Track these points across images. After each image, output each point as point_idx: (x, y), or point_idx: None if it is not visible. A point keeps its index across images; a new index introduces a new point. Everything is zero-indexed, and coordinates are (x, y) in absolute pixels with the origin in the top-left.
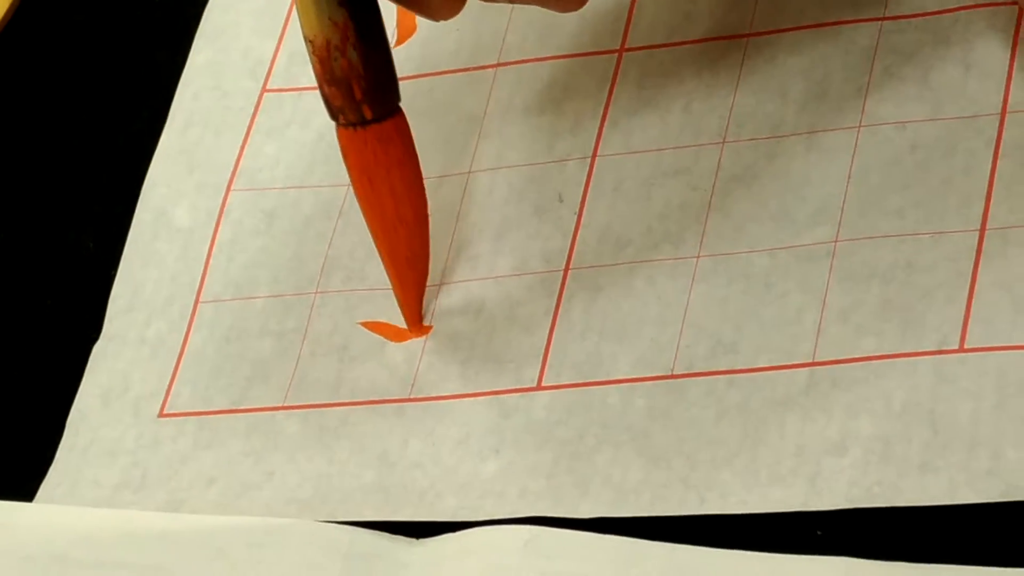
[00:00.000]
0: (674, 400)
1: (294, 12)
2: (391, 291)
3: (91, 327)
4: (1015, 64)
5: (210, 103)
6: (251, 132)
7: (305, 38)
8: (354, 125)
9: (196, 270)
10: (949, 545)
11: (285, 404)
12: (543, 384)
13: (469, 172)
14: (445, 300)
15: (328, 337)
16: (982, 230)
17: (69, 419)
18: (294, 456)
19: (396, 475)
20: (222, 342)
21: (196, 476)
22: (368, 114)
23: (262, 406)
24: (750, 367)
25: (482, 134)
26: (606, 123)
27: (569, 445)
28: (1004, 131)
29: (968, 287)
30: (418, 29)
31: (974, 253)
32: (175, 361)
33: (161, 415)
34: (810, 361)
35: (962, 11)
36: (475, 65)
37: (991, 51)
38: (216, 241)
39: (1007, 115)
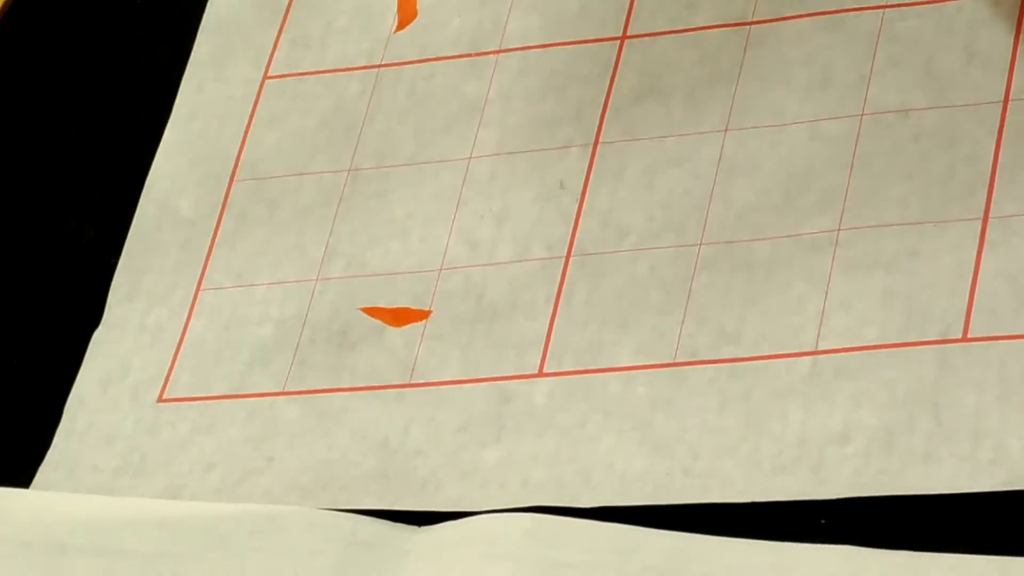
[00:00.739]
0: (676, 388)
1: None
2: (392, 276)
3: (91, 315)
4: (1018, 52)
5: (213, 94)
6: (253, 122)
7: None
8: None
9: (198, 260)
10: (952, 534)
11: (285, 390)
12: (544, 371)
13: (470, 158)
14: (445, 285)
15: (328, 323)
16: (985, 219)
17: (67, 404)
18: (294, 442)
19: (397, 462)
20: (222, 329)
21: (196, 461)
22: None
23: (262, 392)
24: (752, 356)
25: (483, 121)
26: (608, 110)
27: (570, 433)
28: (1007, 119)
29: (971, 276)
30: (419, 15)
31: (977, 242)
32: (175, 347)
33: (160, 400)
34: (813, 350)
35: None
36: (477, 51)
37: (994, 39)
38: (219, 231)
39: (1010, 103)
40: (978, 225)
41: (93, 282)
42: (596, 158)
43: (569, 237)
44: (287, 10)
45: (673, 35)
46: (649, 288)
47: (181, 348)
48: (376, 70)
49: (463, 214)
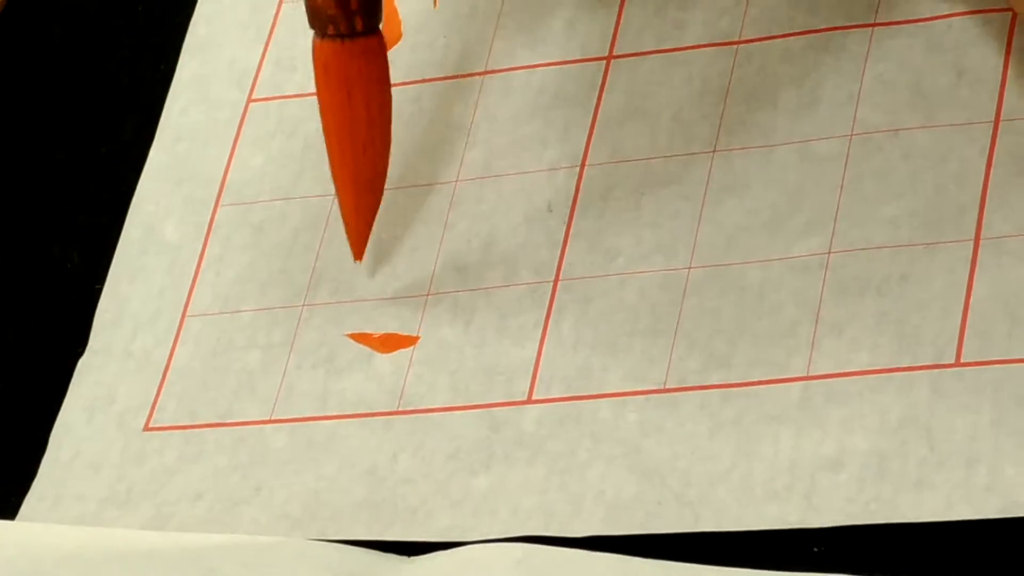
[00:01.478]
0: (667, 414)
1: (279, 21)
2: (379, 302)
3: (76, 341)
4: (1008, 71)
5: (197, 116)
6: (237, 144)
7: None
8: (343, 37)
9: (183, 285)
10: (947, 562)
11: (272, 418)
12: (533, 397)
13: (456, 181)
14: (433, 310)
15: (315, 349)
16: (976, 240)
17: (53, 433)
18: (282, 471)
19: (386, 491)
20: (208, 355)
21: (183, 491)
22: (359, 26)
23: (249, 420)
24: (744, 381)
25: (469, 143)
26: (595, 131)
27: (560, 460)
28: (998, 139)
29: (963, 299)
30: (404, 36)
31: (969, 264)
32: (161, 374)
33: (146, 428)
34: (804, 375)
35: (955, 17)
36: (462, 72)
37: (984, 58)
38: (204, 257)
39: (1001, 123)
40: (970, 247)
41: (78, 308)
42: (583, 180)
43: (557, 261)
44: (271, 32)
45: (660, 54)
46: (638, 312)
47: (167, 375)
48: None
49: (450, 238)
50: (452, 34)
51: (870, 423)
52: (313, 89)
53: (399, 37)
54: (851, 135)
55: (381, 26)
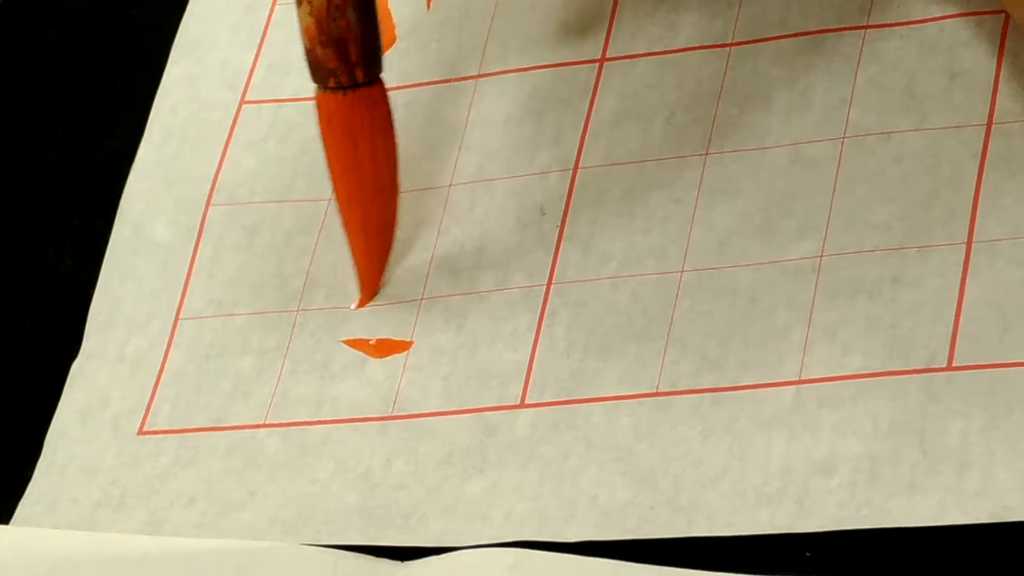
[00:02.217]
0: (659, 418)
1: (272, 23)
2: (373, 307)
3: (70, 345)
4: (1001, 74)
5: (188, 116)
6: (230, 145)
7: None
8: (344, 88)
9: (176, 287)
10: (939, 567)
11: (266, 422)
12: (526, 401)
13: (450, 185)
14: (426, 315)
15: (310, 355)
16: (969, 243)
17: (47, 437)
18: (276, 475)
19: (379, 496)
20: (202, 359)
21: (177, 495)
22: (360, 77)
23: (243, 424)
24: (736, 385)
25: (463, 146)
26: (587, 134)
27: (553, 464)
28: (990, 142)
29: (955, 303)
30: (397, 40)
31: (961, 267)
32: (155, 378)
33: (141, 432)
34: (796, 379)
35: (947, 20)
36: (455, 76)
37: (977, 60)
38: (196, 257)
39: (993, 126)
40: (962, 250)
41: (72, 311)
42: (576, 183)
43: (550, 265)
44: (263, 34)
45: (652, 57)
46: (631, 316)
47: (161, 379)
48: None
49: (443, 242)
50: (445, 37)
51: (862, 427)
52: (307, 95)
53: (393, 40)
54: (843, 138)
55: (382, 75)
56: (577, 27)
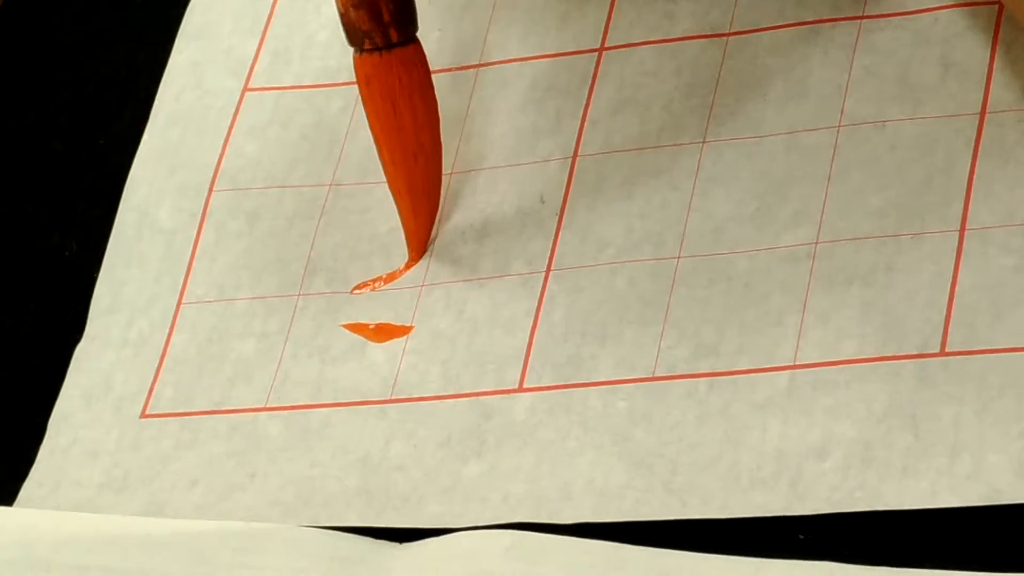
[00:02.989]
0: (655, 402)
1: (276, 10)
2: (374, 292)
3: (74, 329)
4: (994, 64)
5: (191, 102)
6: (232, 131)
7: None
8: (380, 50)
9: (179, 271)
10: (931, 549)
11: (267, 405)
12: (524, 386)
13: (451, 173)
14: (426, 300)
15: (311, 339)
16: (962, 230)
17: (51, 419)
18: (276, 458)
19: (379, 478)
20: (204, 343)
21: (178, 477)
22: (395, 37)
23: (244, 407)
24: (731, 370)
25: (464, 135)
26: (587, 123)
27: (551, 448)
28: (983, 131)
29: (948, 289)
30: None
31: (954, 254)
32: (157, 362)
33: (143, 415)
34: (791, 364)
35: (942, 10)
36: (457, 65)
37: (971, 50)
38: (199, 242)
39: (986, 115)
40: (955, 237)
41: (76, 296)
42: (575, 171)
43: (549, 252)
44: (267, 22)
45: (651, 45)
46: (628, 301)
47: (163, 362)
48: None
49: (444, 230)
50: (446, 27)
51: (856, 412)
52: (310, 82)
53: None
54: (839, 126)
55: (418, 33)
56: (577, 16)
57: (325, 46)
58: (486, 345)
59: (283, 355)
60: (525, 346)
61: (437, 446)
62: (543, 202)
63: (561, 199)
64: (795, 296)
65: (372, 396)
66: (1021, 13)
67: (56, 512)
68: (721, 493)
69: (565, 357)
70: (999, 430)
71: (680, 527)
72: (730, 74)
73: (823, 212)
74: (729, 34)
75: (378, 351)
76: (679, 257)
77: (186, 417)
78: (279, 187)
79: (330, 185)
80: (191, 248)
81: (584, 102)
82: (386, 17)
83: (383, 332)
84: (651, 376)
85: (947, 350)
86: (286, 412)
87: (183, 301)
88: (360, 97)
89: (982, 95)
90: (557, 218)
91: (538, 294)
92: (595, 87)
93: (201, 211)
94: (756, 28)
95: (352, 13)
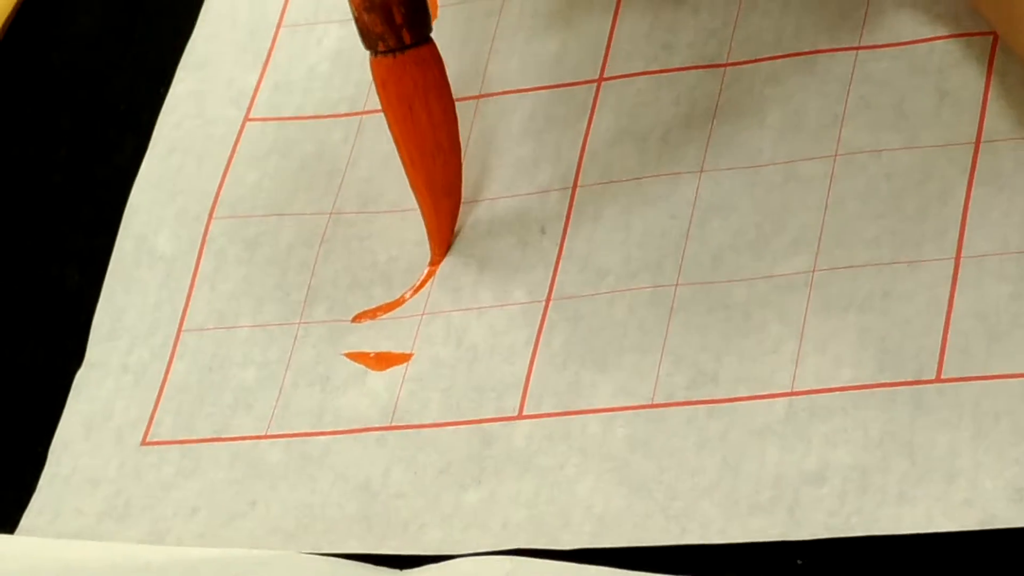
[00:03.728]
0: (654, 429)
1: (278, 42)
2: (375, 320)
3: (75, 359)
4: (989, 93)
5: (192, 130)
6: (233, 160)
7: None
8: (393, 51)
9: (179, 298)
10: (928, 574)
11: (268, 433)
12: (524, 413)
13: None
14: (427, 328)
15: (311, 367)
16: (957, 258)
17: (52, 447)
18: (277, 485)
19: (379, 505)
20: (205, 371)
21: (180, 505)
22: (408, 39)
23: (245, 435)
24: (729, 397)
25: (464, 165)
26: (586, 153)
27: (550, 474)
28: (979, 159)
29: (944, 316)
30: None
31: (950, 282)
32: (158, 389)
33: (144, 443)
34: (789, 391)
35: (937, 40)
36: (457, 96)
37: (966, 80)
38: (199, 269)
39: (982, 143)
40: (951, 265)
41: (77, 325)
42: (575, 202)
43: (549, 281)
44: (269, 54)
45: (649, 76)
46: (627, 329)
47: (164, 390)
48: (359, 117)
49: (445, 260)
50: (446, 58)
51: (853, 438)
52: (311, 113)
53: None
54: (835, 156)
55: (432, 34)
56: (576, 47)
57: (326, 78)
58: (486, 373)
59: (284, 383)
60: (525, 373)
61: (437, 473)
62: (543, 232)
63: (561, 229)
64: (792, 324)
65: (372, 423)
66: (1015, 43)
67: (58, 540)
68: (720, 518)
69: (565, 384)
70: (994, 456)
71: (679, 552)
72: (728, 104)
73: (820, 240)
74: (727, 64)
75: (379, 379)
76: (677, 285)
77: (187, 445)
78: (279, 215)
79: (330, 213)
80: (191, 275)
81: (583, 132)
82: (398, 19)
83: (384, 360)
84: (650, 403)
85: (943, 377)
86: (287, 439)
87: (183, 328)
88: (378, 99)
89: (977, 124)
90: (557, 248)
91: (538, 322)
92: (594, 117)
93: (201, 238)
94: (753, 59)
95: (365, 16)
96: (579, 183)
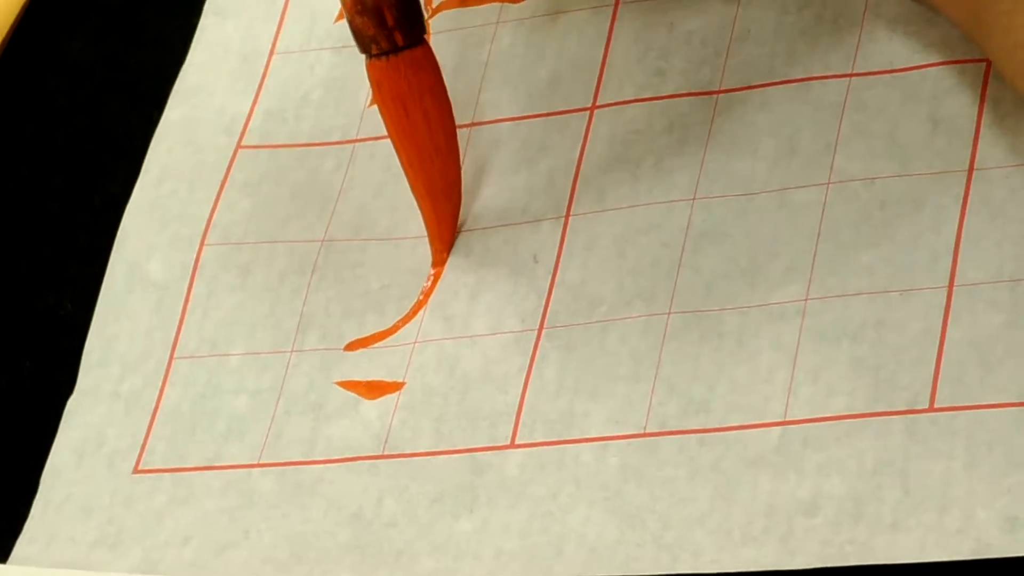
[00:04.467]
0: (647, 458)
1: (270, 70)
2: (367, 349)
3: (68, 387)
4: (982, 121)
5: (184, 157)
6: (225, 187)
7: None
8: (387, 54)
9: (171, 325)
10: None
11: (261, 462)
12: (517, 442)
13: None
14: (419, 357)
15: (303, 396)
16: (950, 287)
17: (43, 475)
18: (269, 514)
19: (371, 534)
20: (197, 399)
21: (172, 534)
22: (400, 40)
23: (238, 463)
24: (722, 426)
25: None
26: (579, 181)
27: (543, 503)
28: (971, 187)
29: (937, 345)
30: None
31: (943, 310)
32: (150, 417)
33: (136, 471)
34: (782, 420)
35: (931, 68)
36: None
37: (959, 108)
38: (191, 296)
39: (974, 171)
40: (944, 294)
41: (72, 355)
42: (568, 231)
43: (542, 310)
44: (261, 81)
45: (642, 103)
46: (620, 358)
47: (156, 417)
48: (351, 145)
49: (438, 288)
50: None
51: (846, 467)
52: (304, 140)
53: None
54: (828, 183)
55: (426, 36)
56: (568, 75)
57: (319, 105)
58: (478, 401)
59: (276, 411)
60: (517, 402)
61: (430, 502)
62: (536, 260)
63: (554, 257)
64: (785, 352)
65: (365, 452)
66: (1009, 71)
67: (50, 570)
68: (712, 548)
69: (557, 413)
70: (988, 485)
71: None
72: (720, 131)
73: (813, 269)
74: (719, 92)
75: (371, 408)
76: (670, 313)
77: (179, 473)
78: (271, 242)
79: (322, 241)
80: (183, 302)
81: (576, 160)
82: (390, 22)
83: (376, 389)
84: (642, 432)
85: (936, 406)
86: (279, 468)
87: (175, 355)
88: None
89: (970, 152)
90: (550, 276)
91: (531, 351)
92: (587, 145)
93: (193, 265)
94: (746, 86)
95: (357, 19)
96: (572, 211)
